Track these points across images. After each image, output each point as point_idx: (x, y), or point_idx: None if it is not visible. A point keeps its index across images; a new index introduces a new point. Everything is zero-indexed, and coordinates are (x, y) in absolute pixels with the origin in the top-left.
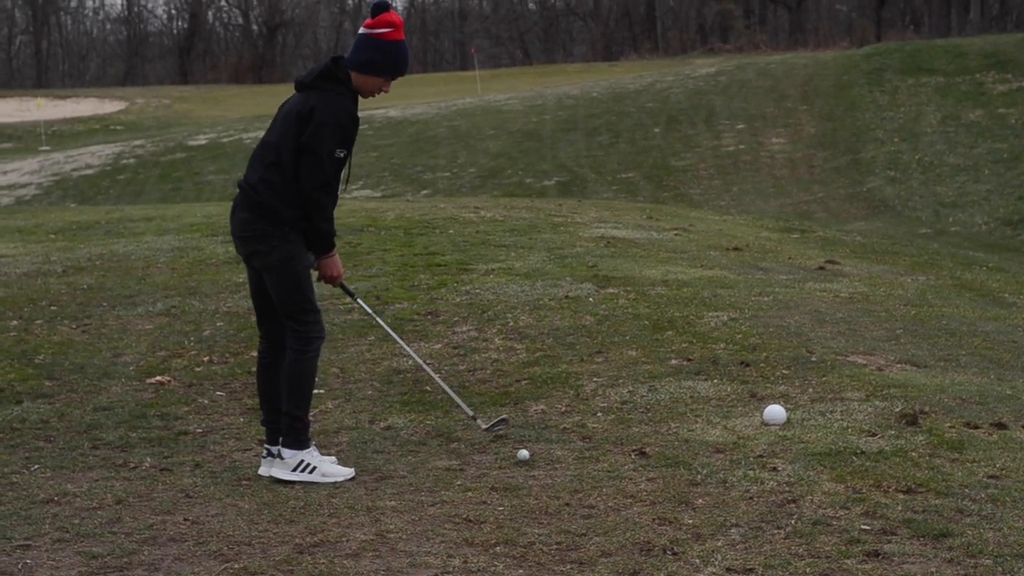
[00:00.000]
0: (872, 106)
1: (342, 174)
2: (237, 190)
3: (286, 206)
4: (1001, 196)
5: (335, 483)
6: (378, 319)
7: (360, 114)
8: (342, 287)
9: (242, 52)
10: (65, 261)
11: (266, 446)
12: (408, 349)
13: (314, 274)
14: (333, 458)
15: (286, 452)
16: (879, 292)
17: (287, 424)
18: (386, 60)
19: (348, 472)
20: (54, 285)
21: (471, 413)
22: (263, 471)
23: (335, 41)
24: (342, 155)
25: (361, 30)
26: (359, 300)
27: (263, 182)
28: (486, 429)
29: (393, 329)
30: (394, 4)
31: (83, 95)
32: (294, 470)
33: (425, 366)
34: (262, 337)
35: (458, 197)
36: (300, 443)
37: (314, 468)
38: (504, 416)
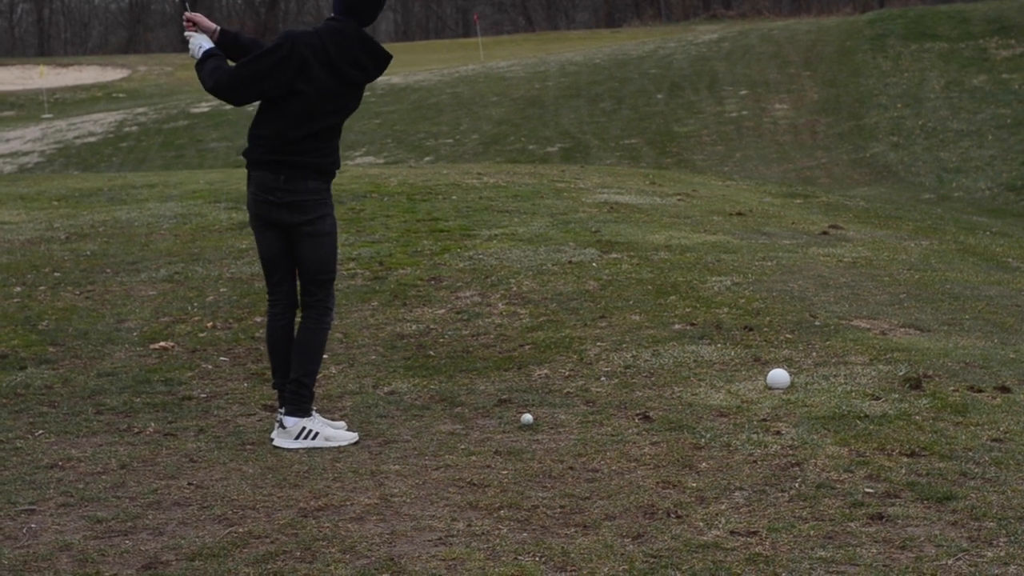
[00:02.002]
0: (875, 72)
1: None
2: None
3: (325, 177)
4: (1004, 161)
5: (339, 447)
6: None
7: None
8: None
9: (244, 19)
10: (68, 228)
11: (279, 410)
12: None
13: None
14: (343, 423)
15: (288, 420)
16: (882, 257)
17: (293, 391)
18: (368, 5)
19: (352, 436)
20: (57, 252)
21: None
22: (276, 435)
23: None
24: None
25: None
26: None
27: (308, 163)
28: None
29: (396, 295)
30: None
31: (85, 63)
32: (296, 437)
33: None
34: (276, 300)
35: (461, 163)
36: (304, 411)
37: (316, 434)
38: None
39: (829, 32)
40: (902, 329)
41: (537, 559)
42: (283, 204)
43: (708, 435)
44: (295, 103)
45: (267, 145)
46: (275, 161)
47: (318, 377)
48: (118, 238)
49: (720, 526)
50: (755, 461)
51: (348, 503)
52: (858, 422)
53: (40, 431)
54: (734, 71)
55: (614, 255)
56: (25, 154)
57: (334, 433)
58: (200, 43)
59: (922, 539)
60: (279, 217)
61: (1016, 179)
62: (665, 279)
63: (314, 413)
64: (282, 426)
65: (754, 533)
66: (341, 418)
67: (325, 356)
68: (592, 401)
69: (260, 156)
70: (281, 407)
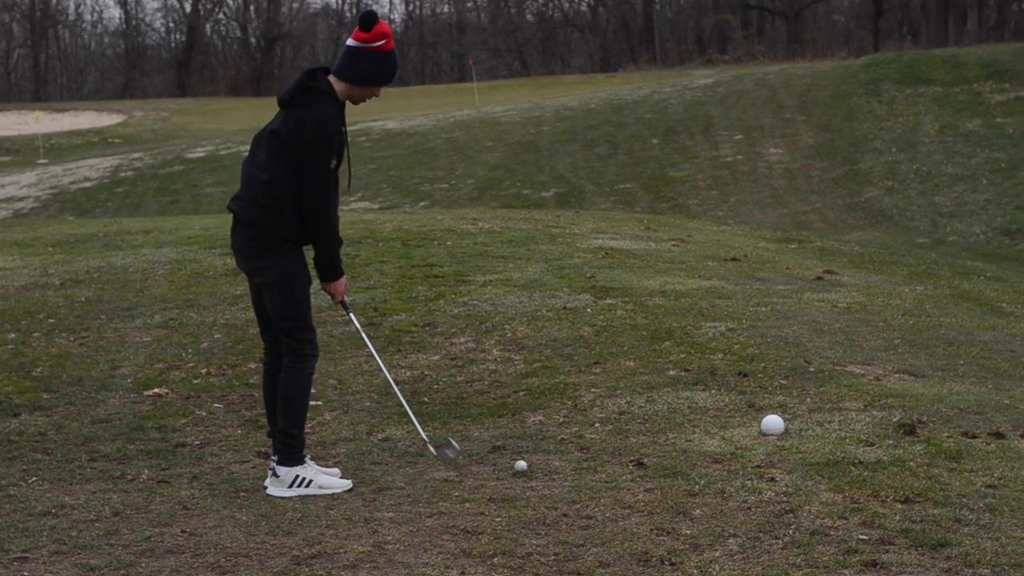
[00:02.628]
0: (870, 116)
1: (341, 184)
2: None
3: (282, 226)
4: (999, 206)
5: (332, 495)
6: (363, 335)
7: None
8: (342, 304)
9: (240, 65)
10: (63, 274)
11: (272, 458)
12: (383, 368)
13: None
14: (336, 471)
15: (281, 469)
16: (877, 302)
17: (281, 441)
18: (382, 71)
19: (346, 484)
20: (52, 298)
21: (425, 438)
22: (269, 483)
23: (333, 53)
24: (333, 165)
25: (351, 42)
26: (351, 315)
27: (257, 203)
28: (436, 455)
29: (391, 341)
30: (390, 17)
31: (81, 108)
32: (290, 486)
33: (393, 384)
34: (266, 349)
35: (456, 209)
36: (294, 459)
37: (310, 481)
38: (452, 442)
39: (824, 76)
40: (896, 375)
41: None
42: (235, 250)
43: (702, 482)
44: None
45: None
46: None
47: (311, 423)
48: (113, 284)
49: (714, 573)
50: (749, 508)
51: (341, 551)
52: (852, 468)
53: (33, 478)
54: (729, 116)
55: (609, 301)
56: (20, 199)
57: (328, 480)
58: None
59: None
60: (238, 264)
61: (1010, 223)
62: (659, 325)
63: (308, 461)
64: (275, 474)
65: None
66: (335, 465)
67: (318, 402)
68: (586, 448)
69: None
70: (274, 455)
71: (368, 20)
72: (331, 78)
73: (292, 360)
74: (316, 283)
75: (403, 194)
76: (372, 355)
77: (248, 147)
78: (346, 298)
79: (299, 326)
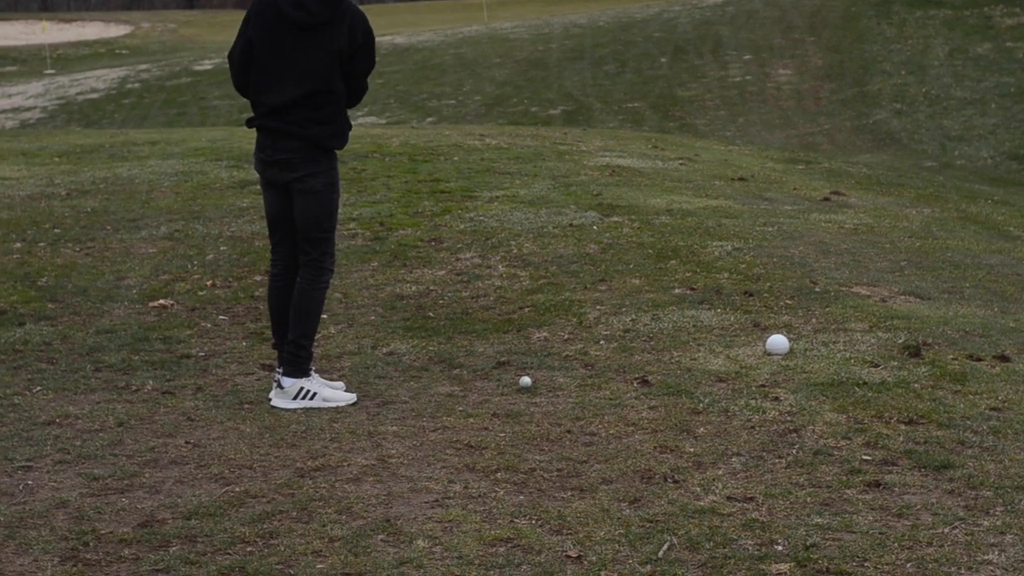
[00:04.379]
0: (879, 38)
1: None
2: (245, 114)
3: (338, 139)
4: (1007, 130)
5: (336, 407)
6: None
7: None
8: None
9: None
10: (69, 184)
11: (277, 370)
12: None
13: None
14: (341, 383)
15: (286, 380)
16: (884, 224)
17: (291, 352)
18: None
19: (350, 397)
20: (58, 208)
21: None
22: (274, 395)
23: None
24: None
25: None
26: None
27: (306, 119)
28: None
29: (396, 256)
30: None
31: (88, 19)
32: (294, 398)
33: None
34: (276, 260)
35: (463, 125)
36: (302, 371)
37: (314, 394)
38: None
39: None
40: (902, 297)
41: (533, 522)
42: (273, 162)
43: (706, 400)
44: (255, 56)
45: (256, 110)
46: (263, 126)
47: (317, 337)
48: (119, 195)
49: (717, 491)
50: (753, 427)
51: (345, 464)
52: (856, 389)
53: (38, 388)
54: (738, 36)
55: (615, 218)
56: (27, 109)
57: (332, 394)
58: None
59: (919, 507)
60: (272, 175)
61: (1019, 148)
62: (666, 243)
63: (313, 373)
64: (280, 386)
65: (751, 499)
66: (339, 378)
67: (324, 316)
68: (591, 365)
69: (255, 119)
70: (279, 367)
71: None
72: None
73: (313, 271)
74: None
75: (410, 109)
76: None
77: None
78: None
79: (328, 237)
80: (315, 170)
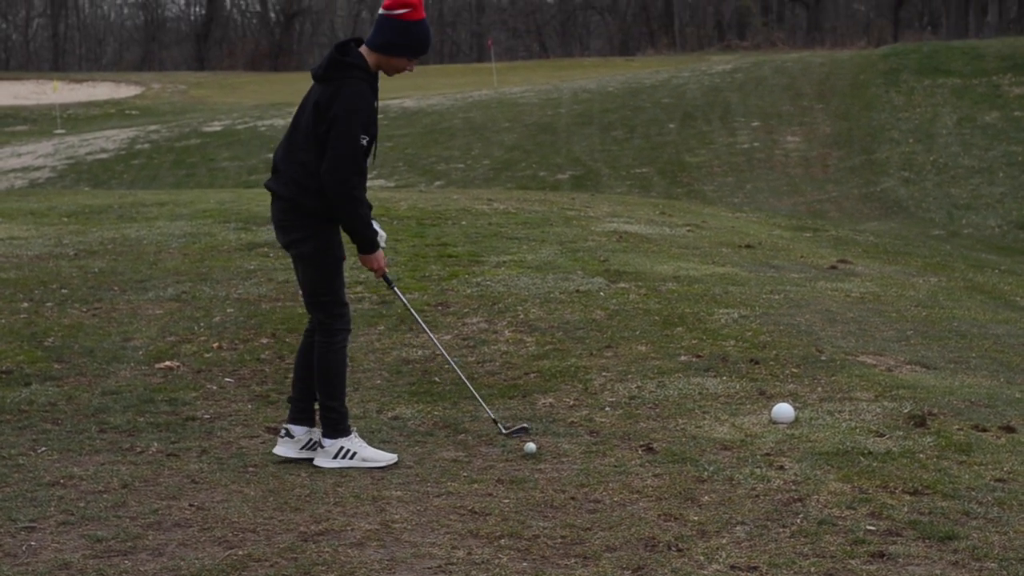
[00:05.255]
0: (888, 106)
1: (368, 160)
2: (254, 176)
3: (310, 196)
4: (1015, 199)
5: (342, 472)
6: (412, 310)
7: (375, 104)
8: (383, 278)
9: (259, 40)
10: (77, 244)
11: (284, 425)
12: (441, 348)
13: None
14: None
15: (326, 441)
16: (890, 292)
17: (323, 415)
18: (406, 41)
19: (391, 458)
20: (65, 268)
21: (493, 417)
22: (278, 451)
23: (352, 30)
24: (365, 141)
25: (380, 11)
26: (396, 289)
27: (289, 176)
28: (506, 434)
29: (403, 320)
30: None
31: (99, 79)
32: (335, 457)
33: (454, 365)
34: (310, 319)
35: (471, 189)
36: (339, 431)
37: (354, 454)
38: (525, 425)
39: (843, 65)
40: (908, 366)
41: None
42: (273, 224)
43: (711, 468)
44: None
45: None
46: (266, 186)
47: None
48: (127, 256)
49: (721, 560)
50: (757, 495)
51: (349, 528)
52: (862, 459)
53: (43, 448)
54: (747, 102)
55: (622, 285)
56: (37, 169)
57: (372, 453)
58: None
59: None
60: (277, 238)
61: None
62: (672, 310)
63: (353, 432)
64: (320, 446)
65: (755, 568)
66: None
67: None
68: (596, 431)
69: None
70: (287, 420)
71: None
72: (363, 49)
73: (323, 335)
74: (351, 259)
75: (419, 173)
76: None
77: (264, 122)
78: (388, 272)
79: (330, 300)
80: (304, 235)
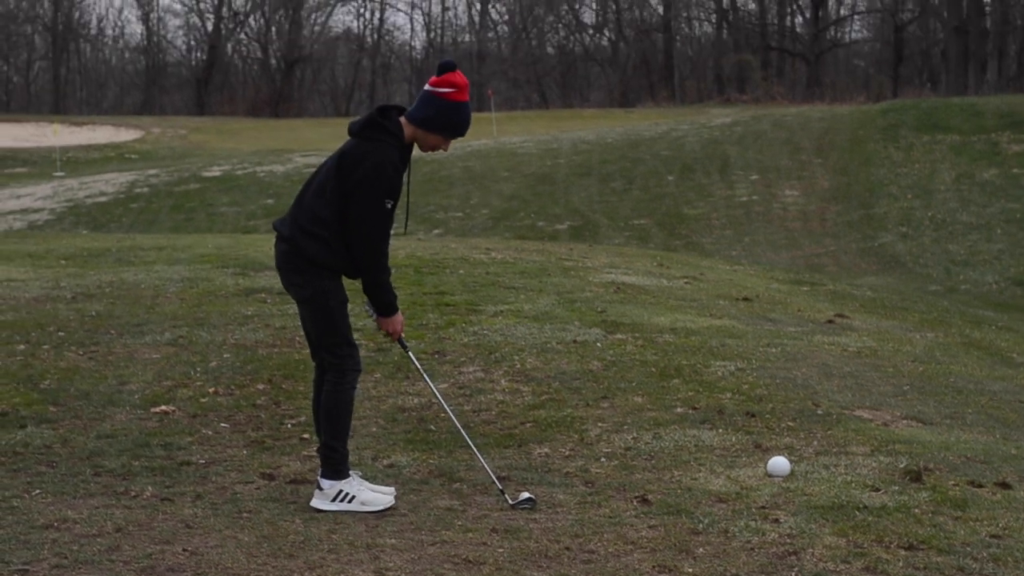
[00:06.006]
0: (887, 162)
1: (398, 224)
2: (252, 222)
3: (313, 243)
4: (1013, 256)
5: (336, 518)
6: (426, 378)
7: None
8: (399, 342)
9: (260, 86)
10: (75, 287)
11: (318, 477)
12: (449, 411)
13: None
14: (391, 489)
15: (324, 482)
16: (887, 347)
17: (324, 455)
18: (444, 120)
19: (388, 500)
20: (63, 311)
21: (500, 487)
22: (315, 504)
23: (353, 78)
24: (390, 206)
25: (426, 86)
26: (410, 353)
27: (295, 220)
28: (512, 505)
29: (399, 368)
30: (411, 43)
31: (99, 123)
32: (333, 500)
33: (465, 434)
34: (315, 366)
35: (470, 238)
36: (338, 473)
37: (353, 497)
38: (531, 496)
39: (842, 120)
40: (904, 421)
41: None
42: (276, 267)
43: (706, 520)
44: None
45: None
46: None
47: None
48: (124, 299)
49: None
50: (752, 549)
51: (343, 575)
52: (857, 513)
53: (37, 491)
54: (746, 156)
55: (619, 336)
56: (36, 211)
57: (371, 497)
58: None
59: None
60: (280, 281)
61: (1023, 274)
62: (669, 362)
63: (352, 475)
64: (319, 487)
65: None
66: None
67: None
68: (591, 482)
69: None
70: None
71: (443, 67)
72: (402, 119)
73: (333, 375)
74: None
75: (417, 221)
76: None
77: (264, 168)
78: (403, 336)
79: (337, 342)
80: (303, 280)
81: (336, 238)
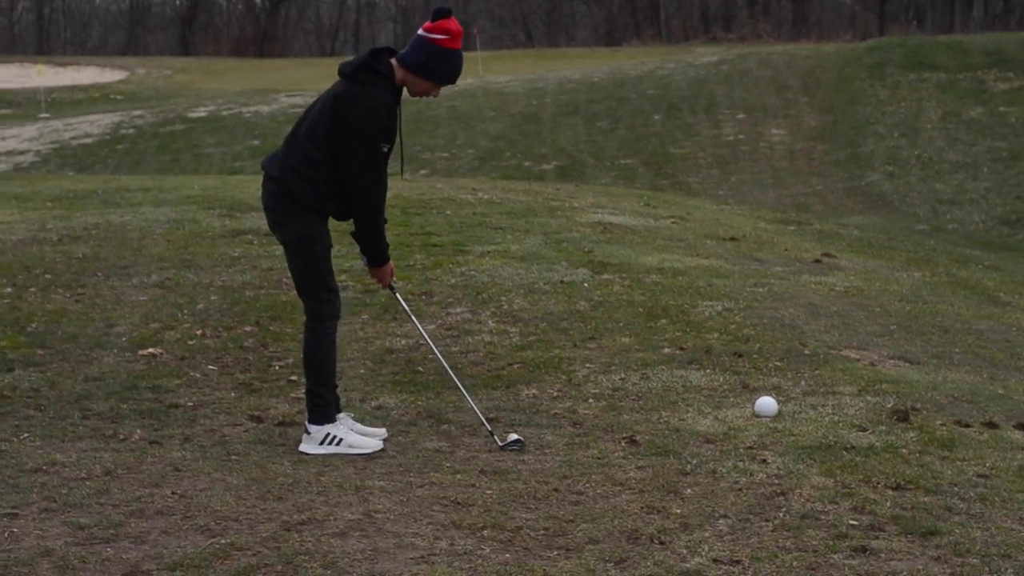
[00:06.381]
0: (873, 100)
1: (392, 168)
2: (239, 163)
3: (303, 184)
4: (999, 195)
5: (325, 460)
6: (414, 319)
7: (397, 113)
8: (389, 287)
9: (244, 25)
10: (61, 229)
11: (307, 422)
12: (437, 352)
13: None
14: (383, 431)
15: (312, 427)
16: (874, 287)
17: (310, 400)
18: (436, 66)
19: (376, 444)
20: (49, 253)
21: (489, 428)
22: (302, 440)
23: (338, 17)
24: (386, 149)
25: (419, 31)
26: (398, 296)
27: (285, 160)
28: (501, 447)
29: (386, 309)
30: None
31: (84, 63)
32: (320, 443)
33: (454, 375)
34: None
35: (456, 178)
36: (325, 417)
37: (340, 440)
38: (520, 438)
39: (828, 59)
40: (891, 361)
41: None
42: (263, 207)
43: (694, 461)
44: None
45: None
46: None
47: (303, 389)
48: (111, 242)
49: (703, 553)
50: (740, 489)
51: (331, 518)
52: (844, 453)
53: (25, 434)
54: (732, 94)
55: (606, 276)
56: (21, 153)
57: (359, 440)
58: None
59: (905, 573)
60: (267, 221)
61: (1010, 213)
62: (656, 302)
63: (340, 418)
64: (306, 431)
65: (737, 562)
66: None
67: None
68: (579, 423)
69: None
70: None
71: (437, 12)
72: (393, 61)
73: (311, 321)
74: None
75: (403, 161)
76: (420, 333)
77: (249, 108)
78: (393, 282)
79: (316, 286)
80: (289, 220)
81: (327, 180)
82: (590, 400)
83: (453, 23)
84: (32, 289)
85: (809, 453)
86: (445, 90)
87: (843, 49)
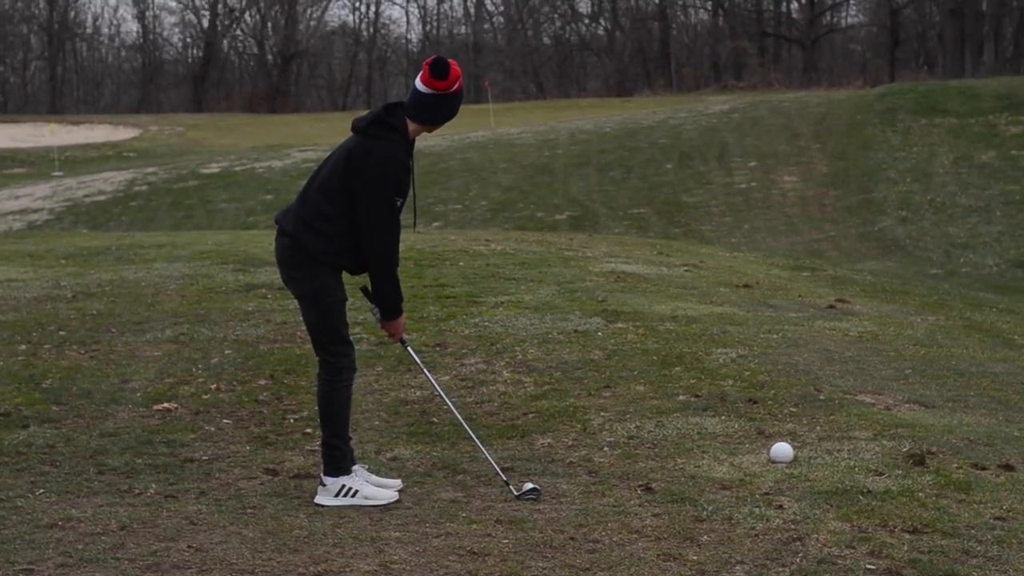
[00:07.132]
0: (885, 146)
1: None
2: (252, 218)
3: (317, 238)
4: (1012, 238)
5: (340, 512)
6: (426, 372)
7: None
8: (400, 341)
9: (256, 82)
10: (75, 286)
11: (322, 474)
12: (450, 403)
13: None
14: (398, 482)
15: (327, 479)
16: (888, 331)
17: (325, 452)
18: (453, 112)
19: (392, 495)
20: (63, 310)
21: (504, 479)
22: (318, 492)
23: (349, 72)
24: (399, 203)
25: (424, 88)
26: (410, 349)
27: (298, 215)
28: (517, 496)
29: (401, 361)
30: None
31: (97, 121)
32: (336, 495)
33: (467, 426)
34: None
35: (469, 229)
36: (340, 469)
37: (356, 492)
38: (536, 486)
39: (839, 105)
40: (907, 405)
41: None
42: (276, 261)
43: (710, 508)
44: None
45: None
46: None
47: (319, 441)
48: (125, 298)
49: None
50: (757, 535)
51: (347, 570)
52: (861, 497)
53: (41, 490)
54: (744, 142)
55: (620, 325)
56: (35, 211)
57: (374, 492)
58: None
59: None
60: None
61: (1023, 255)
62: (670, 350)
63: (355, 470)
64: (322, 483)
65: None
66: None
67: None
68: (594, 471)
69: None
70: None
71: (443, 69)
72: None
73: (327, 373)
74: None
75: (416, 214)
76: (433, 386)
77: (262, 164)
78: (405, 335)
79: (332, 339)
80: (303, 275)
81: (340, 235)
82: (605, 448)
83: (456, 68)
84: (47, 346)
85: (825, 498)
86: (455, 136)
87: (854, 95)
